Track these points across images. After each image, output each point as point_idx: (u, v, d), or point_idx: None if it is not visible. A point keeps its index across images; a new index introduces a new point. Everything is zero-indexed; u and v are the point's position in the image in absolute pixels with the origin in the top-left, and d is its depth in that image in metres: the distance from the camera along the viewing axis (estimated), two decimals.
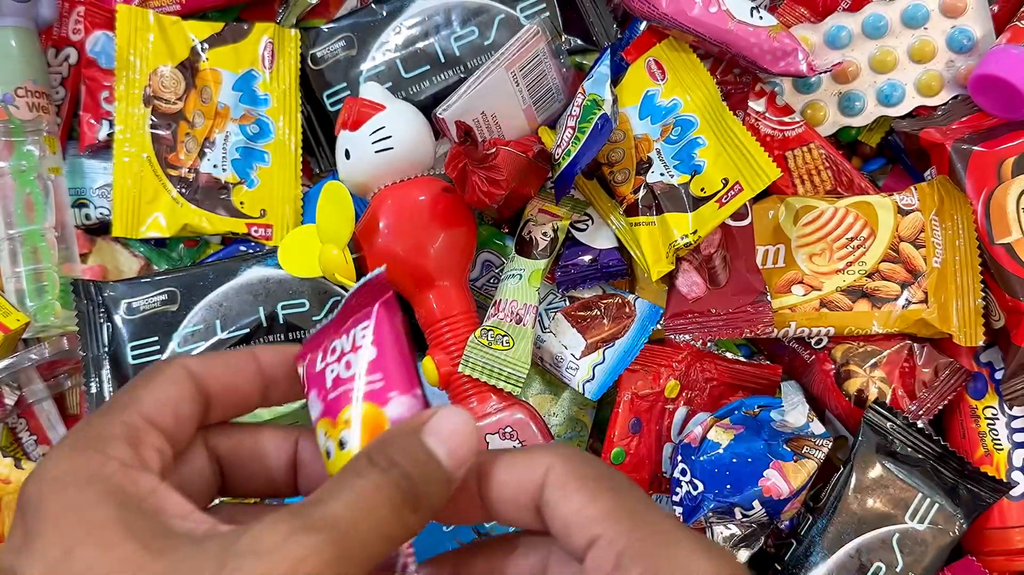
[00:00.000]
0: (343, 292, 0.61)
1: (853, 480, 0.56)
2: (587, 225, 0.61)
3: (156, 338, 0.60)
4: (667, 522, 0.26)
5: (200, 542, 0.23)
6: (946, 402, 0.59)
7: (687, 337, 0.58)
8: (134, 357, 0.59)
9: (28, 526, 0.24)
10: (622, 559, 0.25)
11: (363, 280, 0.30)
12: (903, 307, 0.58)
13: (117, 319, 0.60)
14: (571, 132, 0.58)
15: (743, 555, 0.54)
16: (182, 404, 0.28)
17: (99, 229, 0.67)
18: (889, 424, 0.56)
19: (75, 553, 0.23)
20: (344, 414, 0.28)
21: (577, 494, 0.26)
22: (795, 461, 0.53)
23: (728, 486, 0.53)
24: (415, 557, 0.29)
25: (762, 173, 0.55)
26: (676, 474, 0.55)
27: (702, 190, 0.56)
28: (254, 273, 0.61)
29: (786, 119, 0.62)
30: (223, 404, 0.30)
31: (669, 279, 0.59)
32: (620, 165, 0.60)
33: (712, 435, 0.55)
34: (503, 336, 0.54)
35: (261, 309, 0.61)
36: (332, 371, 0.29)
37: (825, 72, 0.60)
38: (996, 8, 0.61)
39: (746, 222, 0.59)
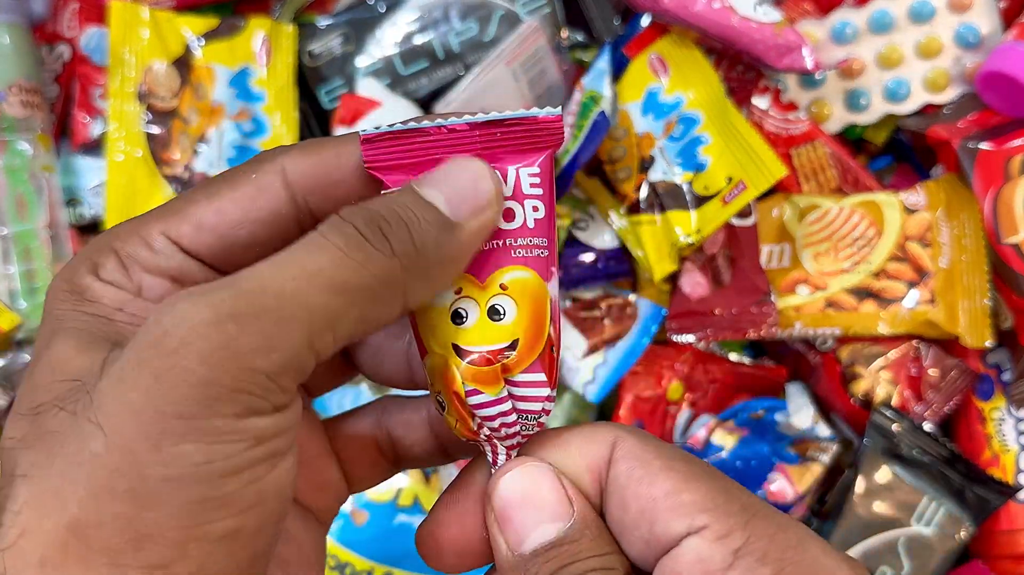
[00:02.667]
0: None
1: (859, 483, 0.55)
2: (587, 224, 0.60)
3: None
4: (783, 518, 0.22)
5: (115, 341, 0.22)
6: (953, 404, 0.58)
7: (690, 338, 0.57)
8: None
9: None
10: (742, 558, 0.21)
11: (538, 112, 0.24)
12: (910, 307, 0.58)
13: None
14: (569, 130, 0.57)
15: None
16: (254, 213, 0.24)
17: (92, 228, 0.67)
18: (895, 426, 0.55)
19: (33, 363, 0.23)
20: (500, 275, 0.24)
21: (664, 475, 0.22)
22: (800, 464, 0.52)
23: None
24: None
25: (767, 171, 0.54)
26: None
27: (705, 188, 0.56)
28: None
29: (791, 116, 0.61)
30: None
31: (672, 279, 0.58)
32: (622, 163, 0.60)
33: (716, 438, 0.54)
34: None
35: None
36: None
37: (831, 68, 0.59)
38: (1003, 4, 0.60)
39: (750, 221, 0.58)
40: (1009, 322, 0.57)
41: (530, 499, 0.23)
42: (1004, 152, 0.57)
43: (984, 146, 0.57)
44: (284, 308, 0.20)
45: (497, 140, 0.24)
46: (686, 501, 0.22)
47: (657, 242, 0.56)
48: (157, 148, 0.63)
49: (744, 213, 0.58)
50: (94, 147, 0.66)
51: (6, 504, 0.20)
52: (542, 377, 0.24)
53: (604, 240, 0.59)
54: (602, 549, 0.22)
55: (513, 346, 0.24)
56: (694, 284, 0.58)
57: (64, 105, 0.67)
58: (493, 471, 0.25)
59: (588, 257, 0.59)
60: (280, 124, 0.65)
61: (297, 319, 0.20)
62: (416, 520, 0.59)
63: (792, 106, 0.61)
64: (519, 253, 0.24)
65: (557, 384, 0.25)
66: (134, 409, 0.19)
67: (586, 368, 0.57)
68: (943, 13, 0.60)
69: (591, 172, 0.60)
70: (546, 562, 0.22)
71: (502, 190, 0.24)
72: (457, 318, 0.24)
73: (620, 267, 0.59)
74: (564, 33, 0.64)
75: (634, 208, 0.58)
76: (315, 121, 0.66)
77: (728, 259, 0.58)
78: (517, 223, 0.24)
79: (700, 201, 0.56)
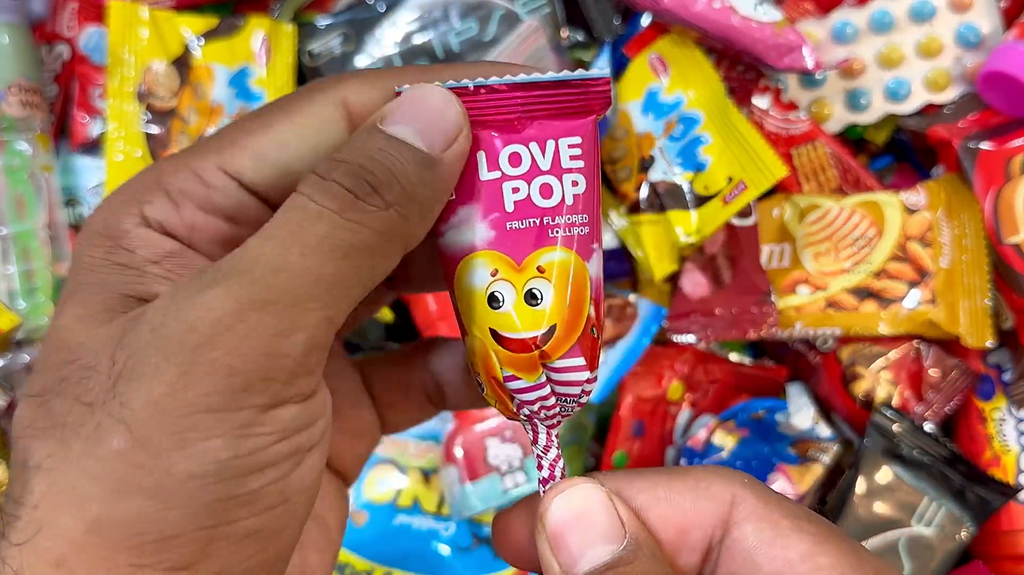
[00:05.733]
0: None
1: (860, 484, 0.55)
2: None
3: None
4: None
5: (129, 312, 0.21)
6: (954, 404, 0.58)
7: (691, 338, 0.57)
8: None
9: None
10: None
11: (584, 73, 0.23)
12: (910, 307, 0.58)
13: None
14: None
15: None
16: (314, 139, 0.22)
17: None
18: (896, 427, 0.55)
19: (56, 318, 0.21)
20: (537, 257, 0.23)
21: (797, 537, 0.22)
22: (801, 464, 0.52)
23: None
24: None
25: (767, 171, 0.54)
26: None
27: (706, 188, 0.55)
28: None
29: (791, 116, 0.61)
30: None
31: (672, 279, 0.58)
32: (622, 163, 0.59)
33: (716, 438, 0.54)
34: None
35: None
36: (515, 189, 0.23)
37: (831, 68, 0.59)
38: (1004, 3, 0.60)
39: (751, 221, 0.58)
40: (1010, 322, 0.57)
41: (583, 521, 0.22)
42: (1005, 152, 0.57)
43: (985, 146, 0.57)
44: (299, 287, 0.20)
45: (538, 103, 0.23)
46: (823, 565, 0.21)
47: (657, 242, 0.56)
48: (156, 148, 0.63)
49: (744, 213, 0.58)
50: (93, 147, 0.66)
51: (22, 496, 0.20)
52: (581, 361, 0.24)
53: (604, 240, 0.59)
54: (656, 572, 0.22)
55: (551, 332, 0.23)
56: (694, 284, 0.58)
57: (63, 105, 0.67)
58: (537, 453, 0.25)
59: None
60: None
61: (313, 295, 0.20)
62: (416, 521, 0.59)
63: (792, 106, 0.61)
64: (557, 233, 0.23)
65: (599, 364, 0.24)
66: (160, 404, 0.19)
67: None
68: (944, 13, 0.60)
69: None
70: None
71: (465, 113, 0.22)
72: (493, 302, 0.23)
73: (620, 267, 0.59)
74: (564, 33, 0.64)
75: (634, 208, 0.58)
76: None
77: (728, 259, 0.58)
78: (555, 200, 0.23)
79: (700, 201, 0.55)
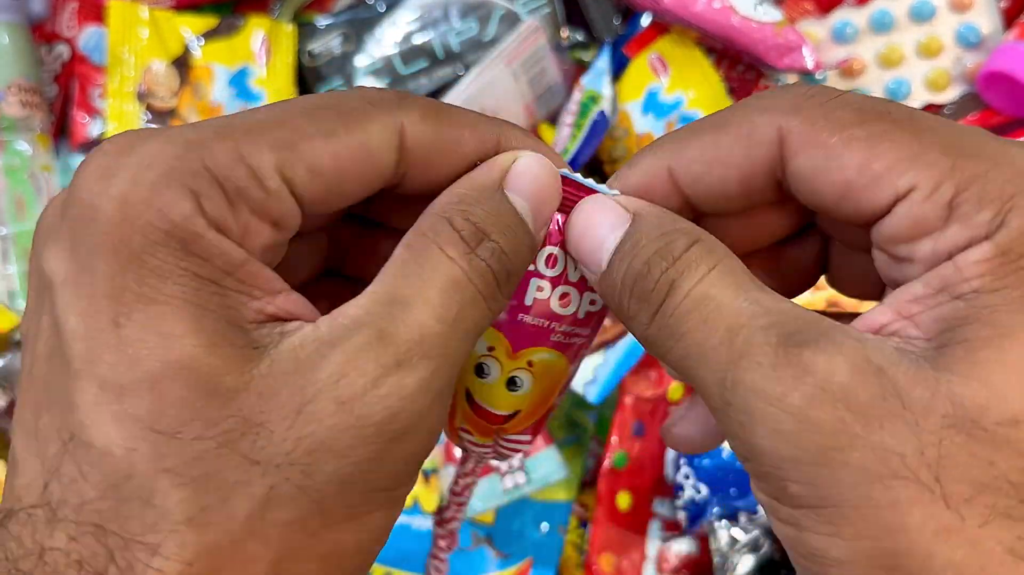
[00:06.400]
0: None
1: None
2: None
3: None
4: (994, 145, 0.20)
5: (275, 360, 0.19)
6: None
7: None
8: None
9: (78, 251, 0.19)
10: (958, 207, 0.19)
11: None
12: None
13: None
14: (569, 129, 0.57)
15: (749, 560, 0.53)
16: (370, 156, 0.21)
17: None
18: None
19: (128, 331, 0.18)
20: (532, 353, 0.24)
21: (847, 150, 0.20)
22: None
23: (733, 490, 0.52)
24: None
25: None
26: (679, 478, 0.54)
27: None
28: None
29: None
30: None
31: None
32: (622, 162, 0.59)
33: None
34: None
35: None
36: (539, 288, 0.24)
37: (831, 68, 0.59)
38: (1004, 3, 0.60)
39: None
40: None
41: (590, 228, 0.23)
42: None
43: None
44: (456, 370, 0.21)
45: None
46: (880, 170, 0.20)
47: None
48: None
49: None
50: (93, 147, 0.66)
51: (166, 549, 0.18)
52: (528, 438, 0.26)
53: None
54: (661, 229, 0.22)
55: (515, 415, 0.25)
56: None
57: (63, 105, 0.67)
58: (458, 472, 0.28)
59: None
60: None
61: (453, 375, 0.21)
62: (415, 521, 0.59)
63: None
64: (557, 338, 0.24)
65: (541, 432, 0.27)
66: (346, 483, 0.19)
67: (586, 368, 0.57)
68: (944, 13, 0.60)
69: (591, 172, 0.60)
70: (620, 263, 0.22)
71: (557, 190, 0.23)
72: (480, 371, 0.25)
73: None
74: (564, 33, 0.64)
75: None
76: None
77: None
78: (570, 310, 0.24)
79: None
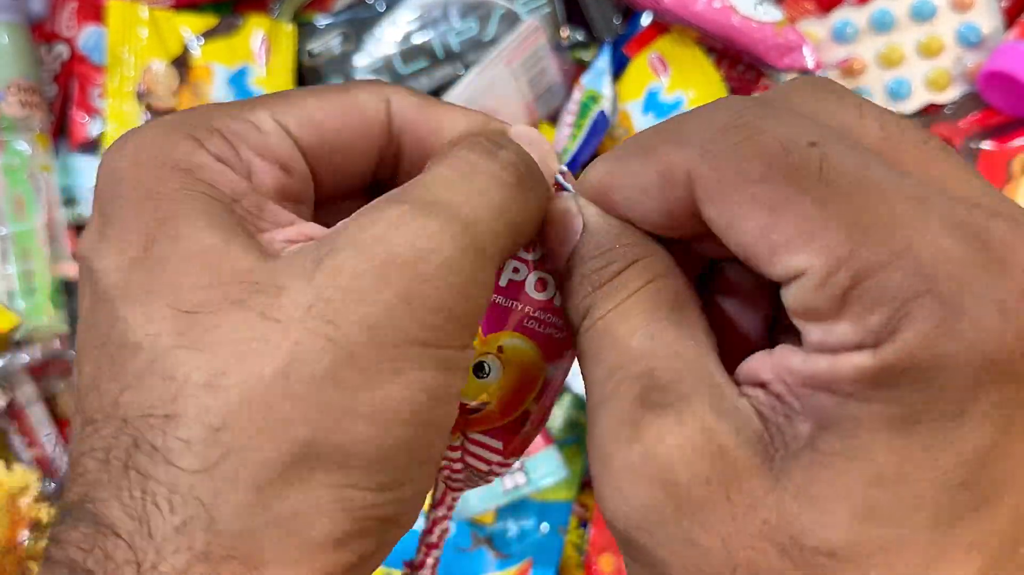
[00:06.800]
0: None
1: None
2: None
3: None
4: (907, 213, 0.17)
5: (290, 251, 0.19)
6: None
7: None
8: None
9: (104, 211, 0.20)
10: (851, 303, 0.17)
11: None
12: None
13: None
14: (569, 129, 0.57)
15: None
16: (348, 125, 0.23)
17: None
18: None
19: (155, 250, 0.19)
20: (503, 338, 0.24)
21: (751, 211, 0.18)
22: None
23: None
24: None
25: None
26: None
27: None
28: None
29: None
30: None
31: None
32: None
33: None
34: None
35: None
36: (515, 269, 0.24)
37: (832, 68, 0.59)
38: (1005, 3, 0.60)
39: None
40: None
41: (556, 229, 0.23)
42: (1006, 152, 0.57)
43: (986, 146, 0.57)
44: (487, 234, 0.20)
45: None
46: (777, 243, 0.18)
47: None
48: None
49: None
50: (92, 147, 0.66)
51: (186, 417, 0.18)
52: (498, 445, 0.24)
53: None
54: (601, 247, 0.22)
55: (481, 407, 0.24)
56: None
57: (62, 104, 0.67)
58: (431, 506, 0.26)
59: None
60: None
61: (493, 257, 0.20)
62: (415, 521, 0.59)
63: None
64: (530, 324, 0.24)
65: (518, 455, 0.25)
66: (376, 329, 0.18)
67: None
68: (944, 12, 0.60)
69: None
70: (568, 274, 0.22)
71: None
72: None
73: None
74: (564, 32, 0.64)
75: None
76: None
77: None
78: (546, 296, 0.24)
79: None
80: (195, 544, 0.17)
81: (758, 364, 0.19)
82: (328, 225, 0.21)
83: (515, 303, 0.24)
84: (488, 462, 0.24)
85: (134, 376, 0.18)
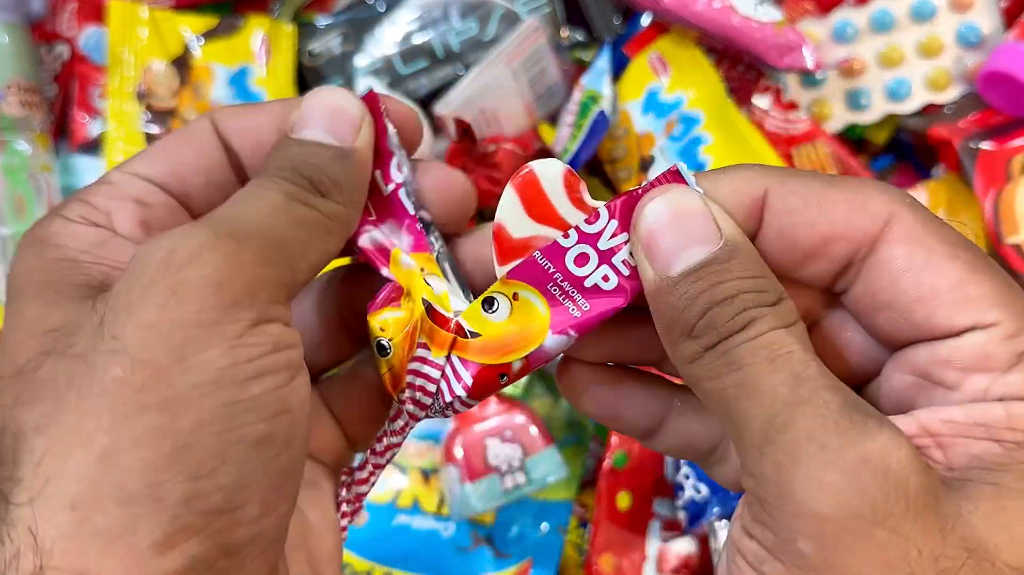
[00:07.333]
0: None
1: None
2: None
3: None
4: None
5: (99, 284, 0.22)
6: None
7: None
8: None
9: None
10: None
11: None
12: None
13: None
14: (569, 129, 0.57)
15: None
16: (197, 163, 0.25)
17: None
18: None
19: (16, 311, 0.22)
20: (522, 287, 0.24)
21: (949, 264, 0.21)
22: None
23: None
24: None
25: None
26: (679, 478, 0.54)
27: None
28: None
29: (792, 116, 0.61)
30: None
31: None
32: (622, 162, 0.59)
33: None
34: None
35: None
36: (565, 235, 0.24)
37: (831, 68, 0.59)
38: (1005, 3, 0.60)
39: None
40: None
41: (676, 224, 0.22)
42: (1005, 152, 0.57)
43: (985, 146, 0.57)
44: (267, 234, 0.22)
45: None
46: (972, 295, 0.21)
47: None
48: None
49: None
50: (93, 147, 0.66)
51: (22, 459, 0.19)
52: (468, 379, 0.25)
53: None
54: (753, 271, 0.21)
55: (474, 335, 0.24)
56: None
57: (63, 105, 0.67)
58: (385, 430, 0.26)
59: None
60: None
61: (279, 244, 0.22)
62: (416, 520, 0.59)
63: (793, 105, 0.61)
64: (553, 290, 0.24)
65: (477, 400, 0.25)
66: (153, 326, 0.20)
67: None
68: (944, 12, 0.60)
69: (591, 172, 0.60)
70: (695, 282, 0.21)
71: (362, 106, 0.25)
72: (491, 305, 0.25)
73: None
74: (564, 32, 0.64)
75: None
76: None
77: None
78: (582, 272, 0.24)
79: None
80: (28, 566, 0.19)
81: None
82: None
83: (550, 265, 0.24)
84: (453, 394, 0.25)
85: None
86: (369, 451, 0.27)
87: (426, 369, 0.25)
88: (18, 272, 0.23)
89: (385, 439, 0.26)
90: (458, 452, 0.56)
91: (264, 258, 0.21)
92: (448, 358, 0.25)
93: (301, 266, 0.23)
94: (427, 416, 0.26)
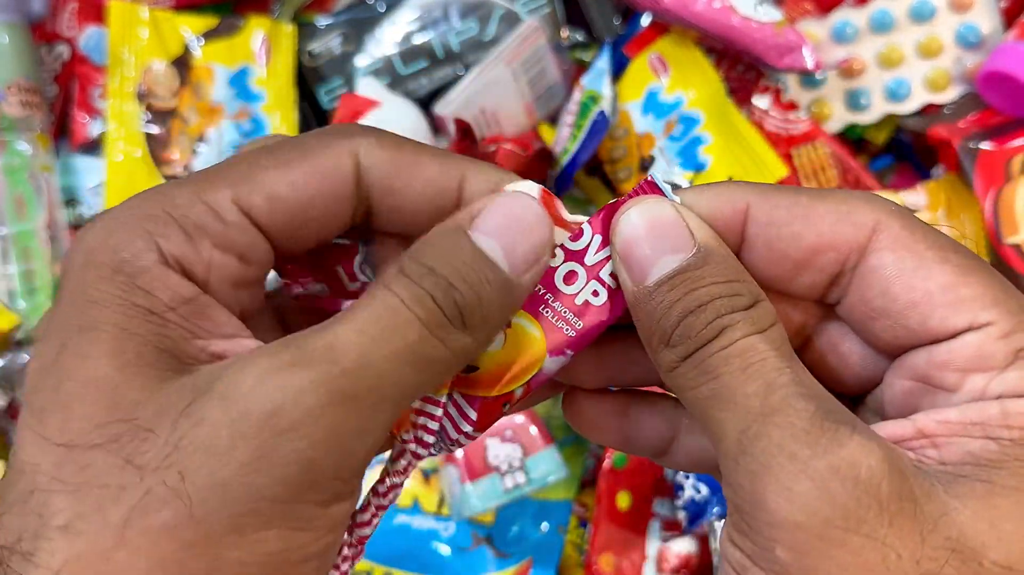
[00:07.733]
0: None
1: None
2: None
3: None
4: None
5: (187, 376, 0.19)
6: None
7: None
8: None
9: (56, 297, 0.21)
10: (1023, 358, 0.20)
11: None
12: None
13: None
14: (569, 129, 0.57)
15: None
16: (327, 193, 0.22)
17: None
18: None
19: (63, 359, 0.19)
20: (517, 316, 0.24)
21: (939, 268, 0.21)
22: None
23: None
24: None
25: (767, 171, 0.54)
26: (679, 478, 0.54)
27: None
28: None
29: (792, 116, 0.61)
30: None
31: None
32: (622, 163, 0.59)
33: None
34: None
35: None
36: (552, 253, 0.24)
37: (831, 68, 0.59)
38: (1004, 3, 0.60)
39: None
40: None
41: (650, 235, 0.22)
42: (1005, 152, 0.57)
43: (985, 146, 0.57)
44: (382, 389, 0.20)
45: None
46: (965, 296, 0.21)
47: None
48: (156, 148, 0.63)
49: None
50: (93, 147, 0.66)
51: (38, 557, 0.18)
52: (472, 414, 0.24)
53: None
54: (727, 276, 0.21)
55: (472, 370, 0.24)
56: None
57: (63, 105, 0.67)
58: (387, 469, 0.25)
59: None
60: (279, 124, 0.65)
61: (390, 399, 0.20)
62: (415, 520, 0.59)
63: (793, 106, 0.61)
64: (546, 312, 0.24)
65: (483, 432, 0.25)
66: (227, 486, 0.18)
67: None
68: (944, 13, 0.60)
69: (591, 172, 0.60)
70: (670, 290, 0.21)
71: (553, 235, 0.23)
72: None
73: None
74: (564, 33, 0.64)
75: None
76: (315, 121, 0.66)
77: None
78: (571, 290, 0.24)
79: None
80: None
81: (887, 427, 0.21)
82: None
83: (540, 287, 0.24)
84: (459, 430, 0.24)
85: (15, 502, 0.19)
86: (371, 492, 0.26)
87: (429, 408, 0.24)
88: (89, 297, 0.20)
89: (388, 479, 0.26)
90: (458, 452, 0.56)
91: (367, 425, 0.19)
92: (450, 395, 0.24)
93: (398, 413, 0.21)
94: (430, 454, 0.25)
